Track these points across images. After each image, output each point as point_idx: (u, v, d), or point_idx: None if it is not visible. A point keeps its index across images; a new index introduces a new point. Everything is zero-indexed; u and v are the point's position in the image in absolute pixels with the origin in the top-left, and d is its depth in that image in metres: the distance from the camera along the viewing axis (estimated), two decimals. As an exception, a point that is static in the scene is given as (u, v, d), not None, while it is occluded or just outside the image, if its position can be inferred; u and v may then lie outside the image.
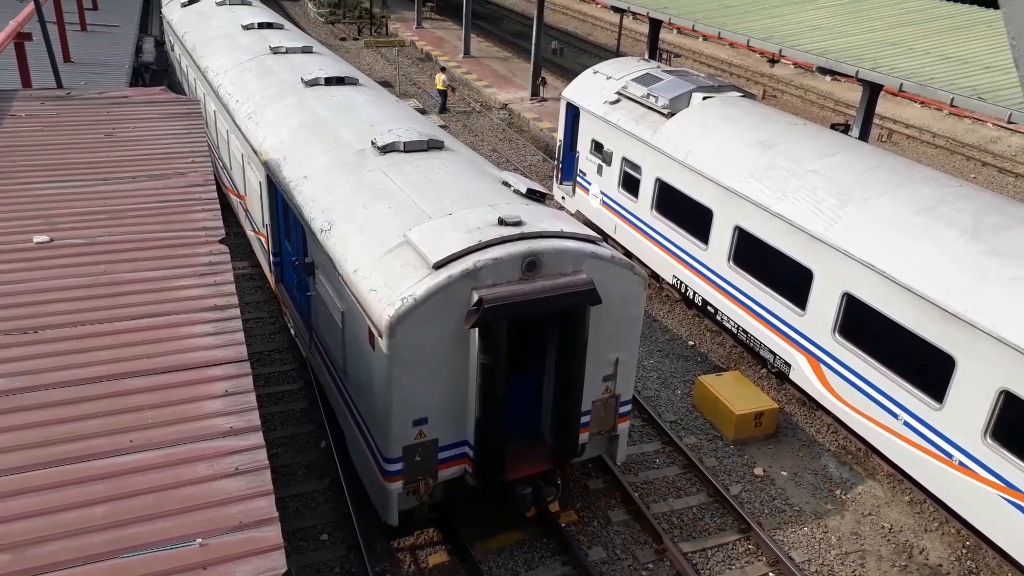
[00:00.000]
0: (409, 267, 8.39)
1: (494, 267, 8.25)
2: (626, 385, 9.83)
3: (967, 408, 9.55)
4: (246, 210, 14.79)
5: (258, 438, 4.91)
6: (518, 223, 8.76)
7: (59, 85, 13.83)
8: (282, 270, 12.97)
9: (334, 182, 10.41)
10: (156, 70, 24.37)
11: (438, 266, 8.19)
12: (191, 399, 5.19)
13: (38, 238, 6.87)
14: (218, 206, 8.07)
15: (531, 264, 8.46)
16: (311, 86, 13.87)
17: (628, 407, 10.03)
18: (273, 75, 14.81)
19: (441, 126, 25.47)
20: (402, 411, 8.41)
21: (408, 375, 8.27)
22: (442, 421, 8.70)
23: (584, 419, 9.57)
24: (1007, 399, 9.11)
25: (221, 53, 17.17)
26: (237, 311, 6.32)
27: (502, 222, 8.73)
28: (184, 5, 22.92)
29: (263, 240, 13.43)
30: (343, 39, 39.21)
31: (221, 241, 7.43)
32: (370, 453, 9.05)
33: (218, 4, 21.96)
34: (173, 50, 23.02)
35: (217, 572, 3.97)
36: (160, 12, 26.22)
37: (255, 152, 12.67)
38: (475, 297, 8.20)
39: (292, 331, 12.50)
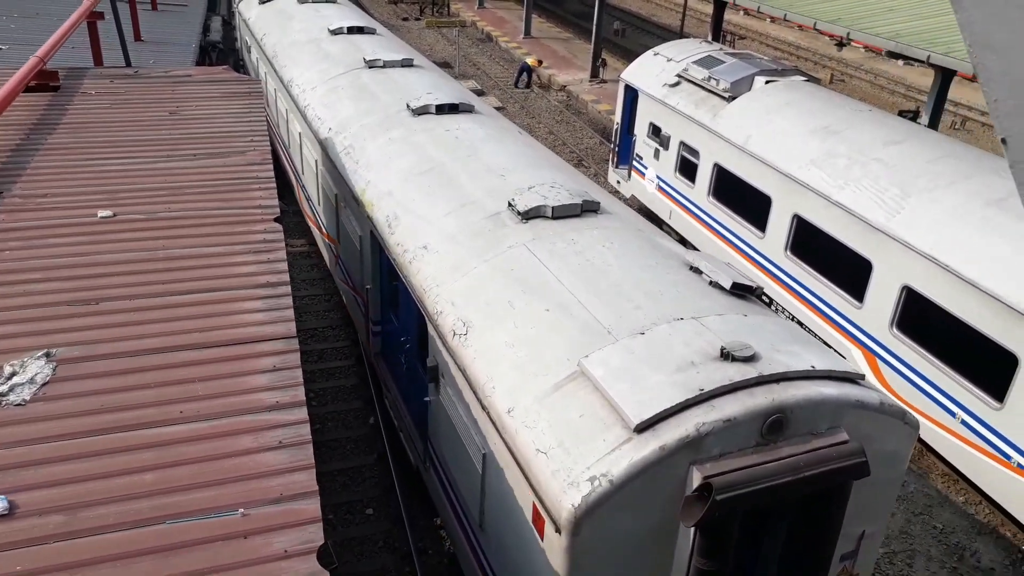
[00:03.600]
0: (595, 422, 5.85)
1: (725, 432, 5.67)
2: (868, 562, 7.28)
3: (1030, 409, 9.21)
4: (337, 255, 12.65)
5: (302, 413, 5.04)
6: (750, 357, 6.05)
7: (128, 64, 14.27)
8: (383, 342, 10.95)
9: (466, 261, 8.05)
10: (223, 49, 24.93)
11: (642, 428, 5.63)
12: (239, 373, 5.34)
13: (102, 212, 7.13)
14: (275, 185, 8.24)
15: (776, 424, 5.82)
16: (419, 115, 11.41)
17: None
18: (371, 97, 12.48)
19: (497, 107, 25.47)
20: None
21: None
22: None
23: None
24: (1073, 401, 8.75)
25: (306, 64, 14.91)
26: (288, 288, 6.47)
27: (727, 355, 6.06)
28: (262, 3, 20.56)
29: (359, 300, 11.43)
30: (405, 19, 39.45)
31: (276, 219, 7.60)
32: None
33: (300, 2, 19.51)
34: (249, 52, 20.60)
35: (257, 542, 4.10)
36: (236, 7, 24.08)
37: (356, 200, 10.49)
38: (696, 477, 5.61)
39: (394, 419, 10.49)
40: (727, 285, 7.13)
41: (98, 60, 13.34)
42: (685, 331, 6.41)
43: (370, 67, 13.75)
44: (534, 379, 6.47)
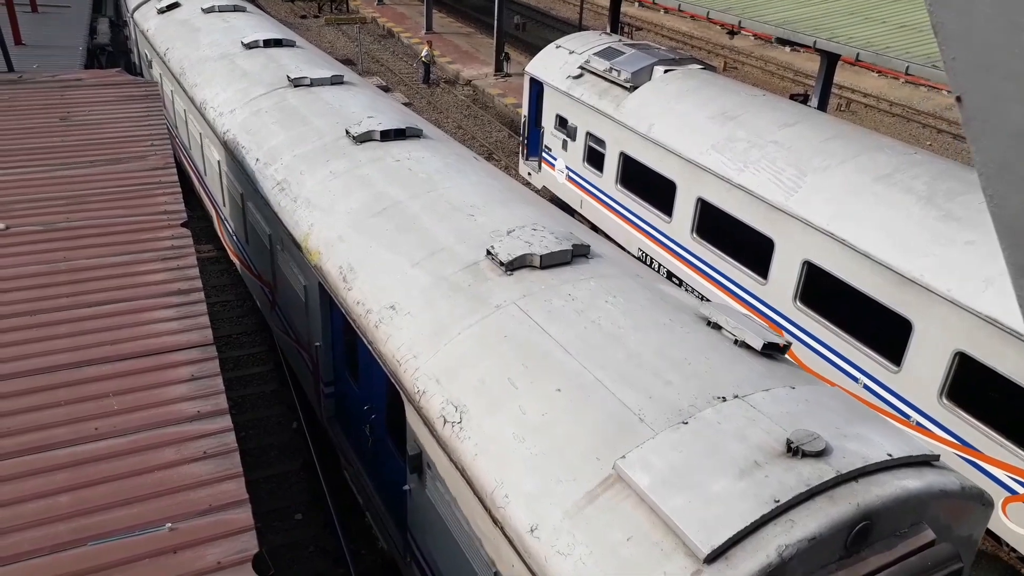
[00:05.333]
0: (650, 549, 4.78)
1: (808, 551, 4.68)
2: None
3: (924, 370, 9.83)
4: (273, 302, 11.16)
5: (226, 421, 4.93)
6: (822, 451, 5.05)
7: (10, 69, 13.50)
8: (338, 406, 9.65)
9: (446, 325, 6.81)
10: (112, 52, 23.84)
11: (713, 557, 4.58)
12: (156, 384, 5.18)
13: (-7, 227, 6.76)
14: (179, 189, 7.99)
15: (862, 533, 4.89)
16: (362, 142, 10.05)
17: None
18: (302, 121, 11.06)
19: (405, 103, 25.27)
20: None
21: None
22: None
23: None
24: (961, 360, 9.39)
25: (221, 83, 13.30)
26: (201, 295, 6.30)
27: (795, 450, 5.05)
28: (161, 12, 18.19)
29: (305, 356, 10.06)
30: (303, 17, 38.60)
31: (184, 224, 7.37)
32: None
33: (205, 11, 17.34)
34: (150, 67, 18.32)
35: (188, 556, 4.01)
36: (129, 15, 21.31)
37: (297, 245, 9.16)
38: None
39: (356, 495, 9.15)
40: (757, 346, 6.14)
41: (-25, 66, 12.57)
42: (735, 416, 5.37)
43: (296, 86, 12.34)
44: (559, 486, 5.30)
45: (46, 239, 6.68)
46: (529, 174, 19.23)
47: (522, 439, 5.69)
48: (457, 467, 6.06)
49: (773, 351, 6.24)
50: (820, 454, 5.03)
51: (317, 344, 9.28)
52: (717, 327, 6.45)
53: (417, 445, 6.79)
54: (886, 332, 10.26)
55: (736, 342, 6.27)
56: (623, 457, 5.18)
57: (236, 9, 17.71)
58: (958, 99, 1.28)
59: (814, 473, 4.92)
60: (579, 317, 6.52)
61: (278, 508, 10.01)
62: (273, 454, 10.93)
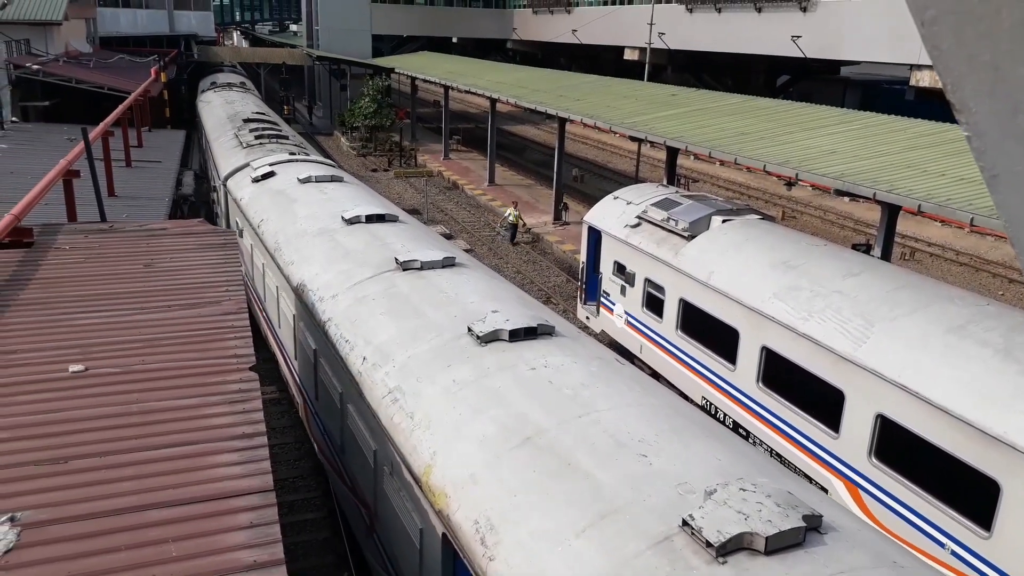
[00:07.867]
0: None
1: None
2: None
3: (1018, 536, 9.11)
4: (371, 528, 9.37)
5: (281, 573, 4.81)
6: None
7: (103, 219, 14.45)
8: None
9: None
10: (194, 201, 25.52)
11: None
12: (215, 531, 5.12)
13: (73, 367, 7.01)
14: (250, 333, 8.21)
15: None
16: (487, 343, 8.54)
17: None
18: (416, 313, 9.63)
19: (466, 249, 26.07)
20: None
21: None
22: None
23: None
24: (1059, 526, 8.70)
25: (321, 263, 12.06)
26: (264, 439, 6.32)
27: None
28: (256, 180, 17.80)
29: None
30: (374, 170, 40.88)
31: (252, 368, 7.53)
32: None
33: (301, 181, 16.48)
34: (242, 236, 17.24)
35: None
36: (221, 183, 21.19)
37: (415, 477, 7.46)
38: None
39: None
40: None
41: (72, 216, 13.52)
42: None
43: (404, 269, 10.94)
44: None
45: (121, 381, 6.88)
46: (587, 318, 19.33)
47: None
48: None
49: None
50: None
51: None
52: None
53: None
54: (972, 493, 9.63)
55: None
56: None
57: (333, 179, 16.96)
58: None
59: None
60: None
61: (325, 666, 9.55)
62: (323, 606, 10.56)
